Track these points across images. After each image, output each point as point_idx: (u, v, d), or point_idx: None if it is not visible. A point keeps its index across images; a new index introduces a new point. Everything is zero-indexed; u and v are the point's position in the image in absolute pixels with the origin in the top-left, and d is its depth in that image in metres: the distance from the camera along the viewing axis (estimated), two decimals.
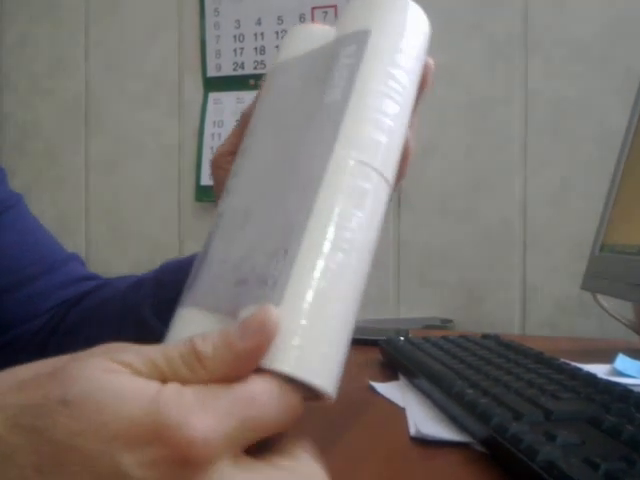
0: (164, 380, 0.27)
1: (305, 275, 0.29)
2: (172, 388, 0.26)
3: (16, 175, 0.67)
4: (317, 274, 0.29)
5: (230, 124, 1.63)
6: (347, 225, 0.31)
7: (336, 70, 0.36)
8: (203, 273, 0.37)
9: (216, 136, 1.65)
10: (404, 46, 0.38)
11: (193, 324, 0.35)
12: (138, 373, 0.27)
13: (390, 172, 0.34)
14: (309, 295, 0.29)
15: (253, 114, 0.43)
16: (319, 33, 0.42)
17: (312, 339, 0.28)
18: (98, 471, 0.24)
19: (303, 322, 0.28)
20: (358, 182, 0.32)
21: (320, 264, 0.29)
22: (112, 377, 0.26)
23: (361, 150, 0.32)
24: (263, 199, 0.35)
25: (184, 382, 0.27)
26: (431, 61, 0.42)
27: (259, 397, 0.27)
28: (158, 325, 0.55)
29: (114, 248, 1.73)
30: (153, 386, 0.26)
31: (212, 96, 1.66)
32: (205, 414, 0.25)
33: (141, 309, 0.57)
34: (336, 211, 0.31)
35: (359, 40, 0.37)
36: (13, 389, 0.26)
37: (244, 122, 0.47)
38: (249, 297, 0.31)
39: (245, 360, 0.28)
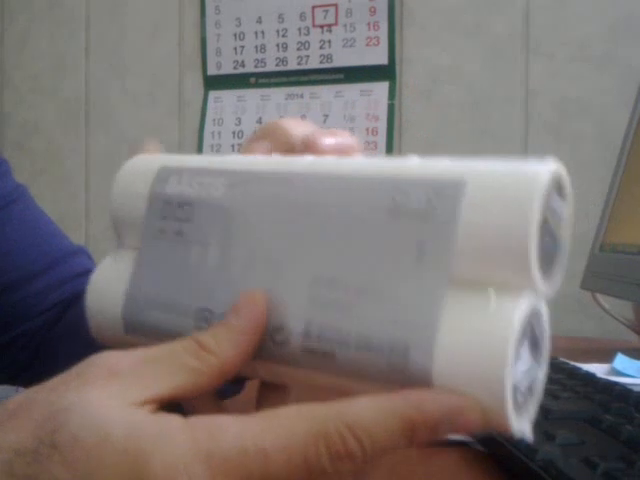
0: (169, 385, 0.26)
1: None
2: (169, 429, 0.24)
3: (16, 174, 0.66)
4: None
5: (230, 122, 1.64)
6: None
7: None
8: None
9: (216, 134, 1.65)
10: None
11: None
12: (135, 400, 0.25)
13: None
14: None
15: None
16: None
17: None
18: None
19: None
20: None
21: None
22: (103, 414, 0.24)
23: None
24: None
25: (195, 376, 0.26)
26: None
27: (270, 449, 0.22)
28: None
29: (114, 247, 1.73)
30: (145, 423, 0.24)
31: (213, 94, 1.67)
32: (200, 469, 0.22)
33: None
34: None
35: None
36: (5, 422, 0.25)
37: None
38: None
39: (249, 334, 0.28)
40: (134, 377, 0.26)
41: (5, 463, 0.24)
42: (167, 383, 0.26)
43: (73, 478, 0.23)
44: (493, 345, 0.24)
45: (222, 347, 0.27)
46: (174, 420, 0.24)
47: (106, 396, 0.25)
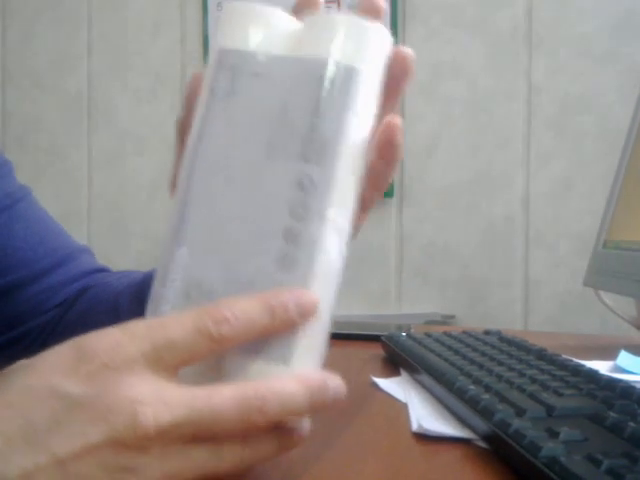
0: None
1: None
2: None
3: (19, 170, 0.66)
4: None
5: None
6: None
7: (324, 105, 0.35)
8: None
9: None
10: (379, 82, 0.38)
11: None
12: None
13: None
14: None
15: (208, 103, 0.37)
16: (277, 21, 0.38)
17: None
18: (42, 398, 0.28)
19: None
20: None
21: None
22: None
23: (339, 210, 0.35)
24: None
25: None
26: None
27: (169, 323, 0.31)
28: None
29: (116, 243, 1.74)
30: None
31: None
32: (118, 330, 0.31)
33: (130, 317, 0.57)
34: None
35: (348, 77, 0.36)
36: None
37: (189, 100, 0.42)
38: None
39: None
40: None
41: None
42: None
43: (26, 366, 0.30)
44: None
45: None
46: None
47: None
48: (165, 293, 0.35)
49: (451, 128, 1.46)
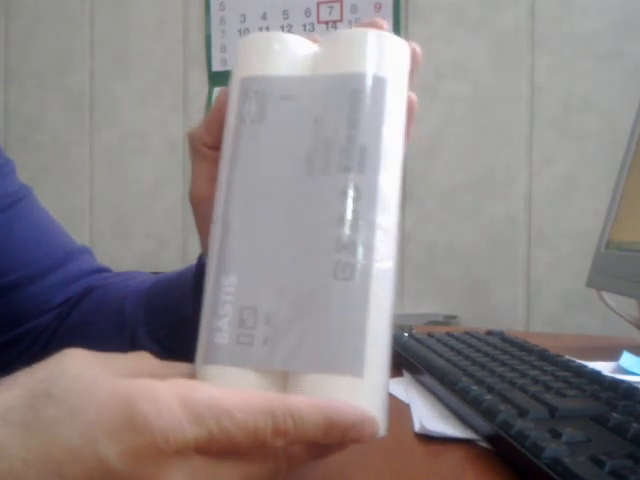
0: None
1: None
2: (146, 381, 0.28)
3: (21, 169, 0.66)
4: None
5: None
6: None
7: (358, 116, 0.36)
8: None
9: None
10: (405, 88, 0.39)
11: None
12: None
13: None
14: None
15: (238, 130, 0.38)
16: (295, 46, 0.39)
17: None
18: (83, 462, 0.26)
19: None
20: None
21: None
22: (90, 374, 0.29)
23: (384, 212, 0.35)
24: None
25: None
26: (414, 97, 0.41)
27: (234, 413, 0.28)
28: (154, 347, 0.55)
29: (118, 242, 1.74)
30: (128, 379, 0.28)
31: (217, 90, 1.66)
32: (178, 405, 0.27)
33: (137, 331, 0.56)
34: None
35: (378, 87, 0.37)
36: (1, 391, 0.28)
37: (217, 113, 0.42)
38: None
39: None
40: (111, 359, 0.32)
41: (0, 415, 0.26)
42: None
43: (66, 413, 0.26)
44: None
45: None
46: (152, 380, 0.29)
47: (85, 367, 0.29)
48: (219, 324, 0.34)
49: (454, 128, 1.45)
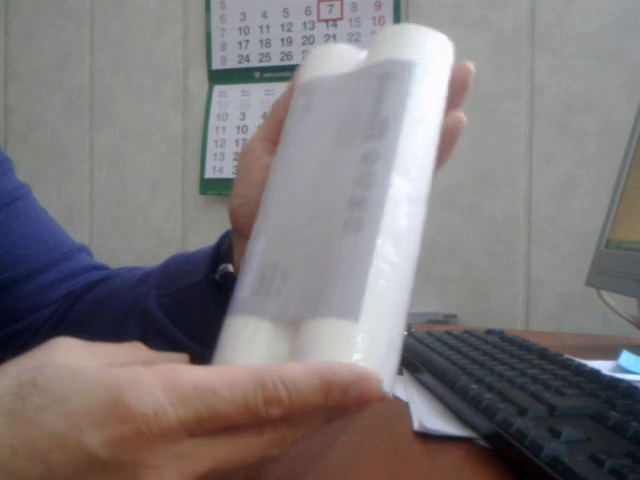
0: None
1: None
2: (132, 368, 0.28)
3: (21, 167, 0.67)
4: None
5: (235, 117, 1.63)
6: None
7: (385, 93, 0.39)
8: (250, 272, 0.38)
9: (220, 129, 1.65)
10: (441, 76, 0.42)
11: (244, 336, 0.35)
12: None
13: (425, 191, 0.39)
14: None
15: (288, 125, 0.43)
16: (348, 53, 0.44)
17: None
18: (69, 450, 0.26)
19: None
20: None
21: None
22: (76, 364, 0.29)
23: (411, 183, 0.37)
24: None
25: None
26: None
27: (220, 390, 0.28)
28: (162, 317, 0.56)
29: (118, 240, 1.74)
30: (112, 367, 0.29)
31: (217, 89, 1.66)
32: (162, 389, 0.27)
33: (147, 300, 0.57)
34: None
35: (406, 68, 0.39)
36: None
37: (277, 113, 0.47)
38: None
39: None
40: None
41: None
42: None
43: (51, 402, 0.27)
44: None
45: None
46: (137, 366, 0.29)
47: (73, 357, 0.30)
48: (244, 280, 0.37)
49: None
